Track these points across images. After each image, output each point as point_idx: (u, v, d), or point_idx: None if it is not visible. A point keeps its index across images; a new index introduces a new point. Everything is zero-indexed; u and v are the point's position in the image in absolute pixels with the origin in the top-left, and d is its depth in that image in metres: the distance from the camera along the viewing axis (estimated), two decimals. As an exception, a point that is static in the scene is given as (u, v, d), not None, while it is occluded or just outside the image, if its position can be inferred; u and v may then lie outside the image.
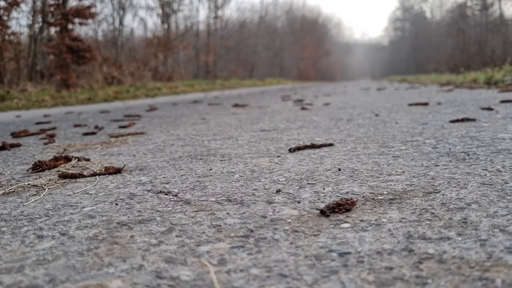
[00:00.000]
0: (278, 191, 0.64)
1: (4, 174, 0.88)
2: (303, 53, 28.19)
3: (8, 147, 1.25)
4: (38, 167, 0.89)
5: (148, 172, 0.83)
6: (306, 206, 0.56)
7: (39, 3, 7.67)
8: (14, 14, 8.65)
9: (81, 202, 0.63)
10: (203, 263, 0.40)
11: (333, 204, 0.54)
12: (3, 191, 0.73)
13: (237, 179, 0.74)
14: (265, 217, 0.53)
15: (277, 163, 0.86)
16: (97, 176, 0.81)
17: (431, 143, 0.99)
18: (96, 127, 1.75)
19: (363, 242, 0.44)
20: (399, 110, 1.85)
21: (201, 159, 0.95)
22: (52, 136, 1.52)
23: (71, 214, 0.58)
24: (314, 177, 0.73)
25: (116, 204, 0.61)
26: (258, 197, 0.62)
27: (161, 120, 2.00)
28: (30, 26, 7.53)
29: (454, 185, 0.63)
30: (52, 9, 7.51)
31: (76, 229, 0.52)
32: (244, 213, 0.55)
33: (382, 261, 0.39)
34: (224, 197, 0.63)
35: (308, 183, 0.68)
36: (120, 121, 2.02)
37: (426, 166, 0.76)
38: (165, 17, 13.24)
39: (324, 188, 0.65)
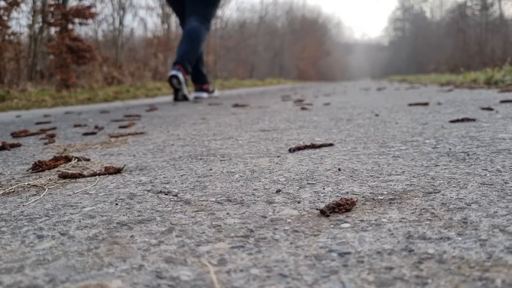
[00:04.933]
0: (278, 191, 0.64)
1: (4, 174, 0.88)
2: (303, 53, 28.19)
3: (8, 147, 1.25)
4: (38, 167, 0.89)
5: (148, 172, 0.83)
6: (306, 206, 0.56)
7: (39, 3, 7.67)
8: (14, 14, 8.64)
9: (81, 202, 0.63)
10: (203, 263, 0.40)
11: (333, 204, 0.54)
12: (3, 191, 0.73)
13: (237, 179, 0.74)
14: (265, 217, 0.53)
15: (277, 163, 0.86)
16: (97, 176, 0.81)
17: (431, 143, 0.99)
18: (96, 127, 1.75)
19: (363, 242, 0.44)
20: (399, 110, 1.85)
21: (201, 159, 0.95)
22: (52, 136, 1.52)
23: (71, 214, 0.58)
24: (314, 177, 0.73)
25: (116, 204, 0.61)
26: (258, 197, 0.62)
27: (161, 120, 2.00)
28: (30, 26, 7.53)
29: (454, 185, 0.63)
30: (52, 9, 7.50)
31: (76, 229, 0.52)
32: (244, 213, 0.55)
33: (382, 261, 0.39)
34: (224, 197, 0.63)
35: (308, 183, 0.68)
36: (120, 121, 2.02)
37: (426, 166, 0.76)
38: (165, 17, 13.23)
39: (324, 188, 0.65)
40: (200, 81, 4.15)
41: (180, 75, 3.59)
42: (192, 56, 3.67)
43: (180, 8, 3.92)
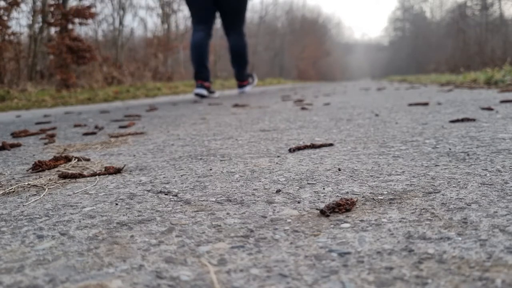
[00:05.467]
0: (278, 191, 0.64)
1: (4, 174, 0.88)
2: (303, 53, 28.18)
3: (8, 147, 1.25)
4: (38, 167, 0.89)
5: (148, 172, 0.83)
6: (306, 206, 0.56)
7: (39, 3, 7.67)
8: (14, 14, 8.64)
9: (81, 202, 0.63)
10: (203, 263, 0.40)
11: (333, 204, 0.54)
12: (3, 191, 0.73)
13: (237, 179, 0.74)
14: (265, 217, 0.53)
15: (277, 163, 0.86)
16: (97, 176, 0.81)
17: (431, 143, 0.99)
18: (96, 127, 1.75)
19: (363, 242, 0.44)
20: (399, 110, 1.85)
21: (201, 159, 0.95)
22: (52, 136, 1.52)
23: (71, 214, 0.58)
24: (314, 177, 0.73)
25: (116, 204, 0.61)
26: (258, 197, 0.62)
27: (161, 120, 2.00)
28: (30, 26, 7.53)
29: (454, 185, 0.63)
30: (52, 9, 7.51)
31: (76, 229, 0.52)
32: (244, 213, 0.55)
33: (382, 261, 0.39)
34: (224, 197, 0.63)
35: (308, 183, 0.68)
36: (120, 121, 2.02)
37: (426, 166, 0.76)
38: (165, 17, 13.23)
39: (324, 188, 0.65)
40: (203, 77, 4.24)
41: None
42: (246, 69, 4.64)
43: (209, 15, 4.24)
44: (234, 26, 4.34)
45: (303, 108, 2.25)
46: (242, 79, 4.74)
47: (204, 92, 4.21)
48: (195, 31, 4.20)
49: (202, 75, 4.22)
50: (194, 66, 4.28)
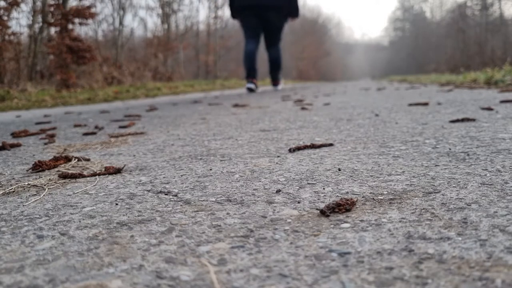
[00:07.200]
0: (278, 191, 0.64)
1: (4, 174, 0.89)
2: (303, 53, 28.16)
3: (8, 147, 1.25)
4: (38, 167, 0.89)
5: (148, 172, 0.83)
6: (306, 206, 0.56)
7: (39, 3, 7.67)
8: (14, 14, 8.65)
9: (81, 202, 0.63)
10: (203, 263, 0.40)
11: (333, 204, 0.54)
12: (3, 191, 0.73)
13: (237, 179, 0.74)
14: (265, 217, 0.53)
15: (277, 163, 0.86)
16: (97, 176, 0.81)
17: (431, 143, 0.99)
18: (96, 127, 1.75)
19: (363, 242, 0.44)
20: (399, 110, 1.85)
21: (201, 159, 0.95)
22: (52, 136, 1.53)
23: (71, 214, 0.58)
24: (314, 177, 0.73)
25: (116, 204, 0.61)
26: (258, 197, 0.62)
27: (161, 120, 2.00)
28: (30, 26, 7.53)
29: (454, 185, 0.63)
30: (52, 9, 7.50)
31: (76, 229, 0.52)
32: (244, 213, 0.55)
33: (382, 261, 0.39)
34: (224, 197, 0.63)
35: (308, 183, 0.68)
36: (120, 121, 2.02)
37: (426, 166, 0.76)
38: (165, 17, 13.24)
39: (324, 188, 0.65)
40: (253, 76, 5.48)
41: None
42: (279, 73, 6.09)
43: (258, 32, 5.62)
44: (274, 42, 5.70)
45: (303, 108, 2.25)
46: (276, 79, 6.16)
47: (253, 86, 5.40)
48: (248, 43, 5.53)
49: (252, 74, 5.46)
50: (246, 68, 5.53)
